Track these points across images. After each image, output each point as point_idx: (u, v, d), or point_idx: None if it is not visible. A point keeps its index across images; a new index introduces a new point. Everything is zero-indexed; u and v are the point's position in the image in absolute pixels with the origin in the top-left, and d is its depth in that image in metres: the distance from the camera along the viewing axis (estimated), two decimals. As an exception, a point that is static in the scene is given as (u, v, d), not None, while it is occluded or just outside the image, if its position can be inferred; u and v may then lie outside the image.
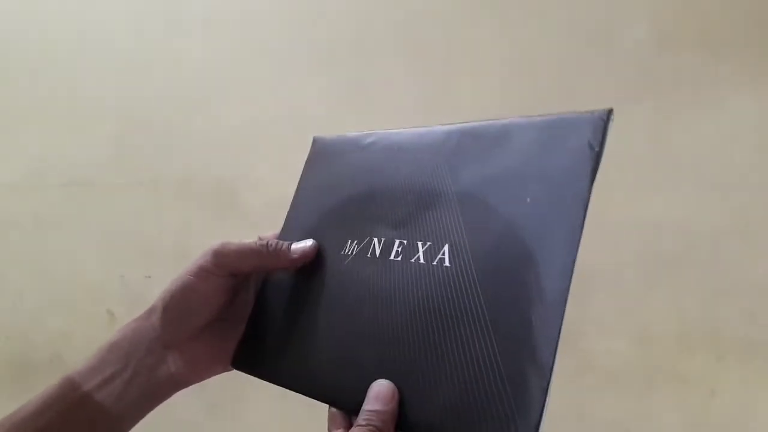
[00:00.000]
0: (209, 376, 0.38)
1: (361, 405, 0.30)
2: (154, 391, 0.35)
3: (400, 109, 0.92)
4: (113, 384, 0.34)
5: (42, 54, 1.11)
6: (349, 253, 0.38)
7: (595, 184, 0.30)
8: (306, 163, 0.48)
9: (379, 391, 0.30)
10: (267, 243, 0.37)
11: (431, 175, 0.36)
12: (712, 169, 0.76)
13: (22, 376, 1.05)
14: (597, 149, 0.30)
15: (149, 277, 1.02)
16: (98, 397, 0.33)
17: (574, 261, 0.28)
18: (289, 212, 0.45)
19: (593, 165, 0.29)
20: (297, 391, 0.36)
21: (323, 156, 0.46)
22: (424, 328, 0.31)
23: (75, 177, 1.08)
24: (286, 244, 0.38)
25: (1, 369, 1.07)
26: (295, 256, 0.38)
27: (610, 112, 0.30)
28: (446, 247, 0.33)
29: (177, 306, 0.36)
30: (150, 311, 0.36)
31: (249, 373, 0.39)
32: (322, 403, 0.35)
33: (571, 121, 0.31)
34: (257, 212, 0.98)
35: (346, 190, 0.42)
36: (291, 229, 0.44)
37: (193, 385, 0.39)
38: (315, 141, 0.48)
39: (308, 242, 0.39)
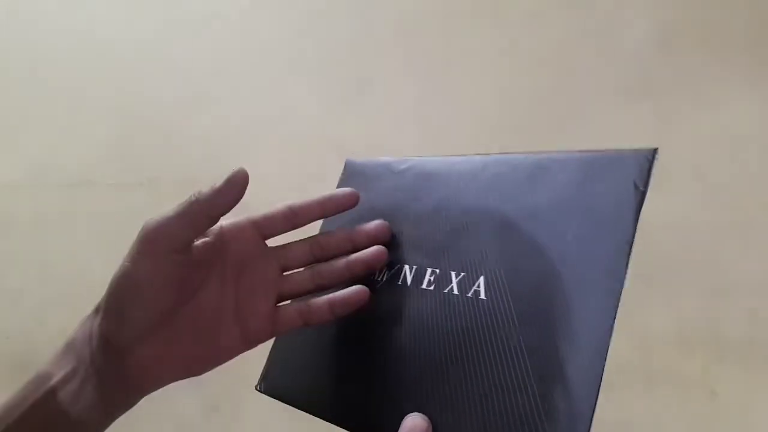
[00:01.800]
0: (171, 381, 0.33)
1: None
2: (111, 397, 0.31)
3: (400, 108, 0.92)
4: (70, 384, 0.30)
5: (42, 54, 1.11)
6: (380, 279, 0.37)
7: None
8: (338, 187, 0.45)
9: (414, 425, 0.29)
10: (191, 197, 0.31)
11: (466, 203, 0.35)
12: (712, 169, 0.76)
13: (23, 376, 1.05)
14: (642, 189, 0.29)
15: (149, 277, 1.02)
16: (60, 395, 0.30)
17: (617, 306, 0.28)
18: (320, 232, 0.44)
19: (638, 205, 0.29)
20: (325, 420, 0.35)
21: (354, 180, 0.44)
22: (461, 363, 0.31)
23: (75, 177, 1.07)
24: (209, 185, 0.31)
25: (1, 369, 1.07)
26: (225, 188, 0.31)
27: (655, 151, 0.29)
28: (481, 279, 0.32)
29: (118, 300, 0.31)
30: (97, 307, 0.32)
31: (276, 398, 0.38)
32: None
33: (615, 158, 0.30)
34: (257, 212, 0.98)
35: (378, 215, 0.40)
36: None
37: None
38: (347, 165, 0.46)
39: (236, 172, 0.32)
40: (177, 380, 0.33)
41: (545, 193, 0.32)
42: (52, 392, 0.30)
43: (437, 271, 0.34)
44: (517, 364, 0.29)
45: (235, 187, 0.33)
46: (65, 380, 0.30)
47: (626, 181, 0.29)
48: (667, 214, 0.77)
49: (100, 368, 0.31)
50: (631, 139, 0.79)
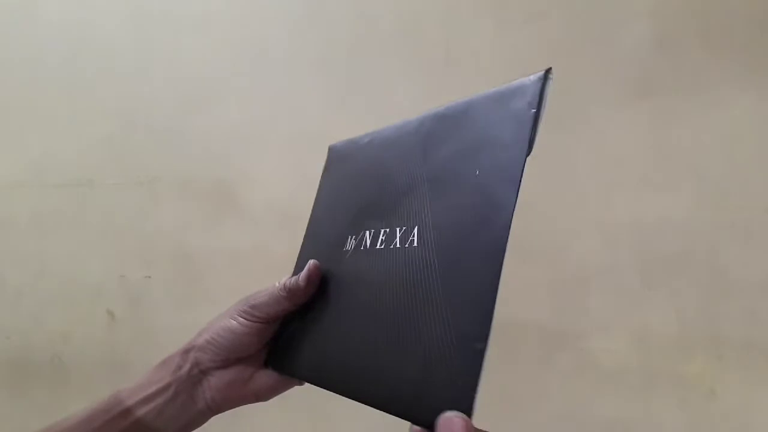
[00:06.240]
0: (241, 404, 0.43)
1: (364, 394, 0.33)
2: (191, 413, 0.40)
3: (400, 109, 0.92)
4: (156, 400, 0.39)
5: (42, 54, 1.11)
6: (349, 248, 0.40)
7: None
8: (323, 171, 0.49)
9: (451, 423, 0.29)
10: (284, 287, 0.42)
11: (407, 163, 0.39)
12: (712, 169, 0.76)
13: (22, 376, 1.05)
14: (534, 110, 0.31)
15: (149, 277, 1.02)
16: (139, 412, 0.38)
17: (509, 224, 0.29)
18: (309, 219, 0.48)
19: (532, 124, 0.31)
20: (315, 384, 0.38)
21: (334, 162, 0.48)
22: (396, 307, 0.34)
23: (74, 177, 1.08)
24: (293, 280, 0.42)
25: (1, 369, 1.07)
26: (302, 284, 0.41)
27: (548, 71, 0.32)
28: (416, 230, 0.35)
29: (218, 343, 0.41)
30: (195, 339, 0.42)
31: (276, 370, 0.43)
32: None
33: (516, 87, 0.33)
34: (257, 212, 0.98)
35: (348, 189, 0.44)
36: (308, 239, 0.47)
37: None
38: (329, 149, 0.50)
39: (308, 264, 0.42)
40: (246, 403, 0.43)
41: (463, 135, 0.35)
42: (132, 408, 0.38)
43: (387, 230, 0.38)
44: (435, 306, 0.31)
45: (311, 281, 0.42)
46: (151, 397, 0.39)
47: (522, 105, 0.32)
48: (667, 214, 0.77)
49: (190, 387, 0.40)
50: (632, 138, 0.79)
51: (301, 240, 0.47)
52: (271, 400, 0.44)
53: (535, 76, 0.32)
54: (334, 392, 0.36)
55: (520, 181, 0.30)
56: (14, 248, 1.09)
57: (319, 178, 0.49)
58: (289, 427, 0.90)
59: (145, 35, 1.06)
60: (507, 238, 0.29)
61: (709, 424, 0.74)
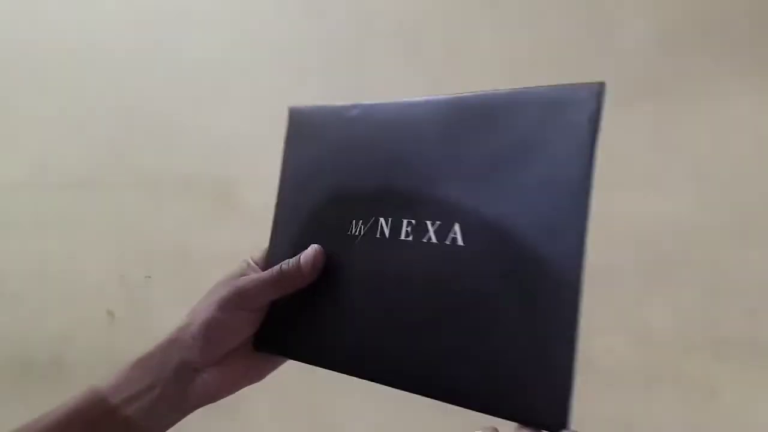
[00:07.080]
0: (234, 391, 0.40)
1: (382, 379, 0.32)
2: (183, 406, 0.38)
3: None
4: (142, 400, 0.36)
5: (42, 54, 1.11)
6: (356, 233, 0.37)
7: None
8: (286, 139, 0.45)
9: None
10: (279, 270, 0.38)
11: (431, 152, 0.36)
12: (712, 169, 0.76)
13: (22, 376, 1.05)
14: (595, 124, 0.30)
15: (149, 277, 1.02)
16: (127, 411, 0.36)
17: (584, 244, 0.29)
18: (279, 195, 0.43)
19: (593, 140, 0.30)
20: (319, 366, 0.37)
21: (304, 130, 0.44)
22: (447, 311, 0.32)
23: (75, 177, 1.07)
24: (293, 263, 0.38)
25: (1, 369, 1.07)
26: (306, 270, 0.38)
27: (602, 85, 0.30)
28: (457, 227, 0.33)
29: (205, 336, 0.37)
30: (176, 336, 0.38)
31: (272, 353, 0.40)
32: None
33: (570, 96, 0.31)
34: (257, 212, 0.98)
35: (340, 167, 0.40)
36: (285, 214, 0.42)
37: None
38: (291, 113, 0.46)
39: (313, 249, 0.38)
40: (239, 389, 0.40)
41: (508, 133, 0.33)
42: (119, 407, 0.36)
43: (413, 221, 0.35)
44: (499, 311, 0.30)
45: (315, 268, 0.38)
46: (136, 396, 0.36)
47: (581, 117, 0.30)
48: (667, 214, 0.77)
49: (179, 386, 0.37)
50: (632, 138, 0.79)
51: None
52: (268, 398, 0.43)
53: (591, 90, 0.30)
54: (364, 379, 0.35)
55: (591, 192, 0.30)
56: (14, 248, 1.09)
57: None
58: (286, 426, 0.90)
59: (145, 35, 1.06)
60: (584, 253, 0.30)
61: (709, 424, 0.74)
